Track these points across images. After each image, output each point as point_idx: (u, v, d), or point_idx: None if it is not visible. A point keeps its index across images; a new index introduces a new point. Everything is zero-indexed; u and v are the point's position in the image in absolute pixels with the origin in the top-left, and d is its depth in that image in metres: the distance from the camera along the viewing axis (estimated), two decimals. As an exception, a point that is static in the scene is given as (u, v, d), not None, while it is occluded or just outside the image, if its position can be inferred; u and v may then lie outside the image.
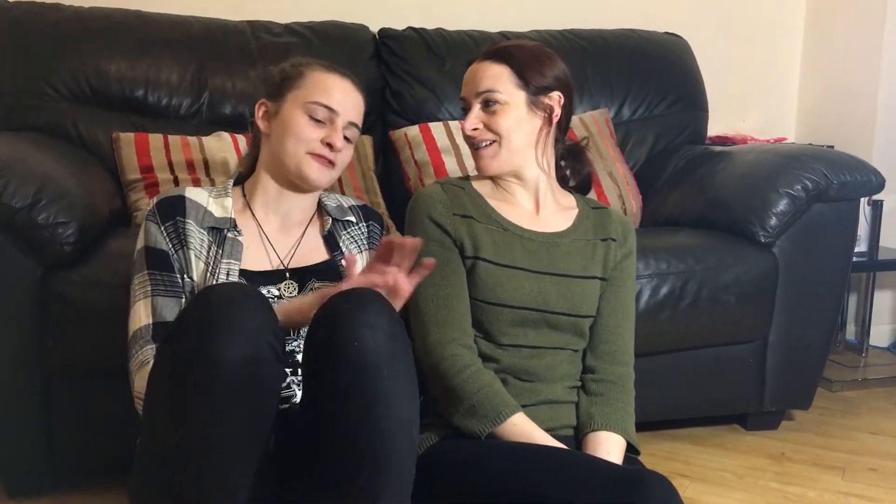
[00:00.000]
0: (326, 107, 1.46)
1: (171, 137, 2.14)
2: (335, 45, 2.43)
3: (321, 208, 1.57)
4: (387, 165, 2.45)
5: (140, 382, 1.31)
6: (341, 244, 1.54)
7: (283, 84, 1.50)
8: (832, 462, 2.09)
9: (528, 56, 1.50)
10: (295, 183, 1.49)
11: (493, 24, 2.65)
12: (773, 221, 2.08)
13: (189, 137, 2.14)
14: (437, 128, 2.39)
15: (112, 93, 2.20)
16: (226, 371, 1.10)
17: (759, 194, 2.10)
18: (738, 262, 2.06)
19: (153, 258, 1.39)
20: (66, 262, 1.66)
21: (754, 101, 3.10)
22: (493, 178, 1.56)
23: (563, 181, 1.62)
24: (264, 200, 1.52)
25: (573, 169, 1.62)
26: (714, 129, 2.80)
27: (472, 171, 1.84)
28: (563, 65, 1.55)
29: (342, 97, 1.48)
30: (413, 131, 2.40)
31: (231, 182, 1.54)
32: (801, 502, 1.88)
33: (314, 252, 1.52)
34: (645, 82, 2.65)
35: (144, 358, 1.33)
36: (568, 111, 1.56)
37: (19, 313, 1.65)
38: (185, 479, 1.11)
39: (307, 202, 1.55)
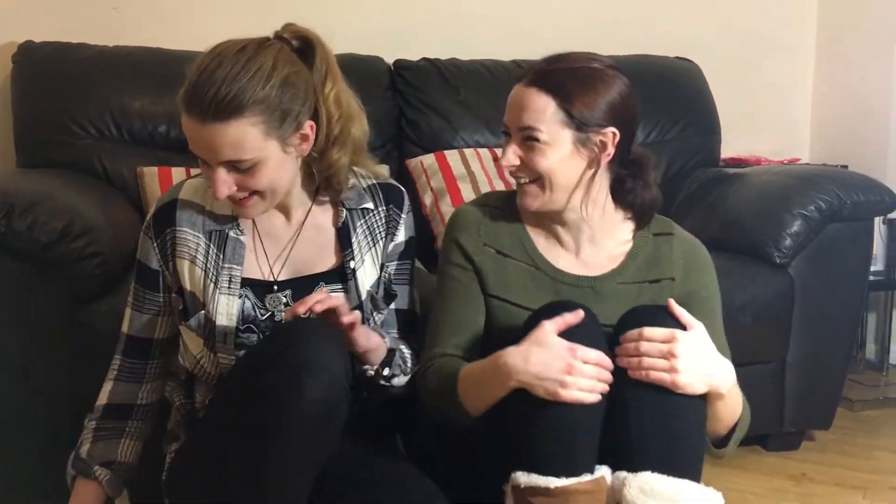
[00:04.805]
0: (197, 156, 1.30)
1: (193, 171, 2.19)
2: (351, 77, 2.44)
3: (338, 196, 1.43)
4: (404, 194, 2.49)
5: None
6: (354, 241, 1.43)
7: None
8: (854, 482, 2.09)
9: (578, 85, 1.33)
10: None
11: (506, 53, 2.70)
12: (788, 242, 2.10)
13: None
14: (452, 156, 2.43)
15: (136, 129, 2.26)
16: (306, 410, 1.15)
17: (774, 215, 2.12)
18: (754, 283, 2.08)
19: (141, 274, 1.41)
20: (94, 294, 1.71)
21: (767, 122, 3.12)
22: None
23: (621, 205, 1.44)
24: None
25: (629, 194, 1.43)
26: (728, 151, 2.82)
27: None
28: (623, 85, 1.35)
29: (198, 141, 1.27)
30: (429, 160, 2.44)
31: None
32: (823, 523, 1.89)
33: (323, 252, 1.42)
34: (657, 107, 2.68)
35: (112, 368, 1.43)
36: (626, 145, 1.38)
37: (50, 345, 1.70)
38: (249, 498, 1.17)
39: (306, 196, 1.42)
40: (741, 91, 3.00)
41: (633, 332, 1.26)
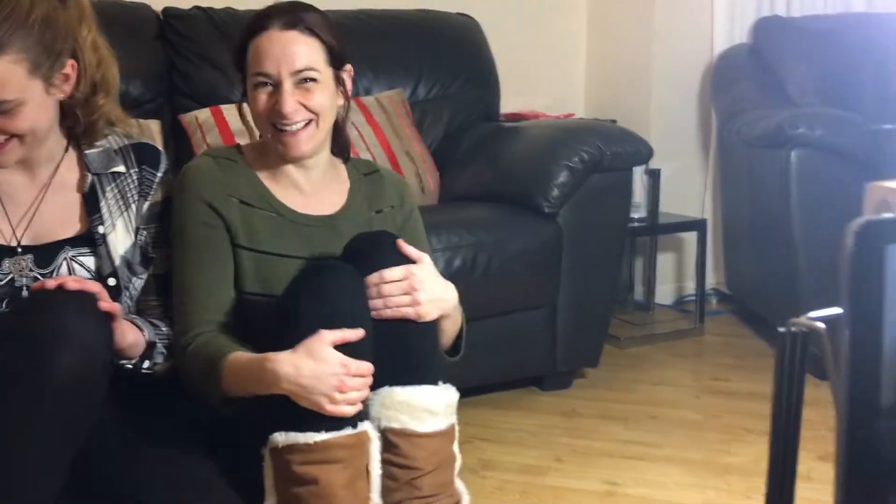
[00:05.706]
0: None
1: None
2: (114, 25, 2.24)
3: (83, 159, 1.37)
4: (178, 151, 2.37)
5: None
6: (103, 205, 1.36)
7: None
8: (617, 414, 2.26)
9: (327, 25, 1.41)
10: None
11: (283, 3, 2.61)
12: (556, 192, 2.20)
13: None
14: (229, 110, 2.34)
15: None
16: (52, 385, 1.08)
17: (542, 167, 2.23)
18: (525, 233, 2.18)
19: None
20: None
21: (545, 78, 3.25)
22: (266, 155, 1.46)
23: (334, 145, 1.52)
24: None
25: (342, 133, 1.51)
26: (509, 106, 2.91)
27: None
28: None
29: None
30: (204, 114, 2.34)
31: None
32: (587, 453, 2.03)
33: (70, 216, 1.35)
34: (438, 62, 2.71)
35: None
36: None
37: None
38: None
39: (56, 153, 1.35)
40: (520, 48, 3.10)
41: (374, 276, 1.32)
